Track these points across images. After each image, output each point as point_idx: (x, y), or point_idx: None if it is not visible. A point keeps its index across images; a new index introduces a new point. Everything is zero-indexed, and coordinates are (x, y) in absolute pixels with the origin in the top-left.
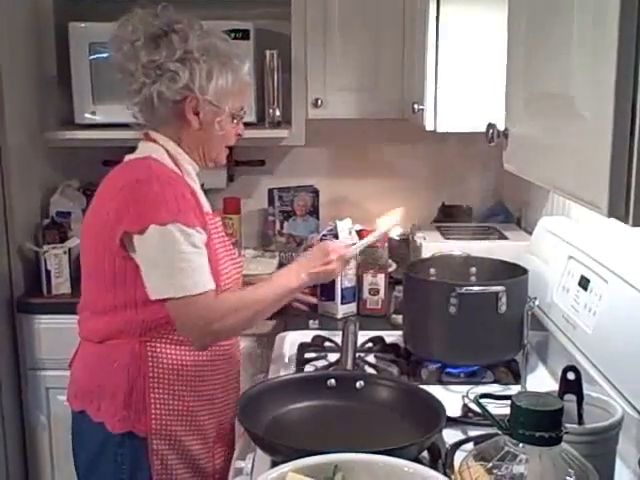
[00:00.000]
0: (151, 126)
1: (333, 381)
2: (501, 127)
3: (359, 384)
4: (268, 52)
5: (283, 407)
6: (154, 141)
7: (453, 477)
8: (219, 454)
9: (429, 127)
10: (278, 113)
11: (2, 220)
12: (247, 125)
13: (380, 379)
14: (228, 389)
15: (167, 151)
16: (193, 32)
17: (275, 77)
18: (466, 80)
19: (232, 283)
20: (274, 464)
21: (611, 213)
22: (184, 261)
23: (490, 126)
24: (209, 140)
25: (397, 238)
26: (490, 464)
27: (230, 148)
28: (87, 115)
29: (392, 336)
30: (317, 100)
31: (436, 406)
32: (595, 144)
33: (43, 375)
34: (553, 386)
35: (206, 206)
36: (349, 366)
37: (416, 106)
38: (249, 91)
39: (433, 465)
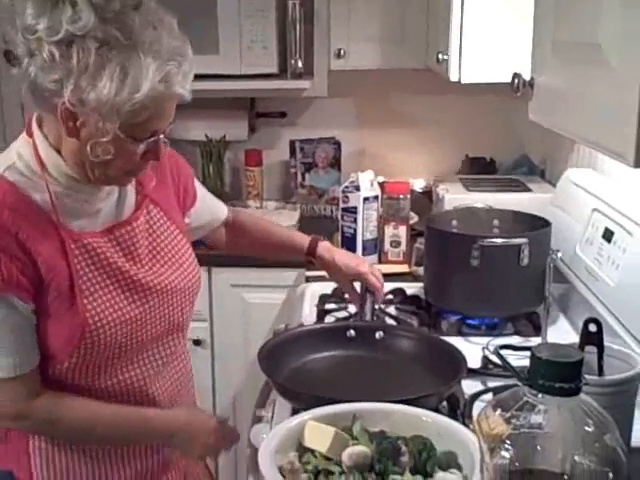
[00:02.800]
0: (38, 111)
1: (352, 332)
2: (527, 77)
3: (378, 335)
4: (290, 2)
5: (304, 357)
6: (31, 136)
7: (472, 427)
8: None
9: (453, 78)
10: (300, 64)
11: None
12: (269, 76)
13: (399, 330)
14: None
15: (38, 155)
16: (109, 6)
17: (297, 27)
18: (492, 29)
19: (118, 322)
20: (294, 412)
21: (637, 164)
22: None
23: (516, 76)
24: (92, 160)
25: (420, 190)
26: (508, 414)
27: (252, 99)
28: None
29: (413, 288)
30: (340, 50)
31: (456, 356)
32: (622, 93)
33: None
34: (574, 338)
35: (102, 215)
36: (368, 317)
37: (440, 56)
38: (166, 106)
39: (452, 415)
